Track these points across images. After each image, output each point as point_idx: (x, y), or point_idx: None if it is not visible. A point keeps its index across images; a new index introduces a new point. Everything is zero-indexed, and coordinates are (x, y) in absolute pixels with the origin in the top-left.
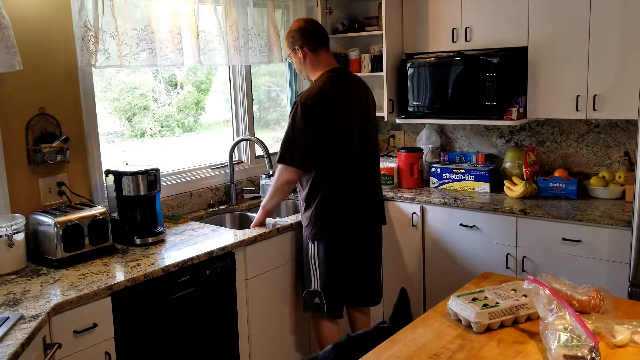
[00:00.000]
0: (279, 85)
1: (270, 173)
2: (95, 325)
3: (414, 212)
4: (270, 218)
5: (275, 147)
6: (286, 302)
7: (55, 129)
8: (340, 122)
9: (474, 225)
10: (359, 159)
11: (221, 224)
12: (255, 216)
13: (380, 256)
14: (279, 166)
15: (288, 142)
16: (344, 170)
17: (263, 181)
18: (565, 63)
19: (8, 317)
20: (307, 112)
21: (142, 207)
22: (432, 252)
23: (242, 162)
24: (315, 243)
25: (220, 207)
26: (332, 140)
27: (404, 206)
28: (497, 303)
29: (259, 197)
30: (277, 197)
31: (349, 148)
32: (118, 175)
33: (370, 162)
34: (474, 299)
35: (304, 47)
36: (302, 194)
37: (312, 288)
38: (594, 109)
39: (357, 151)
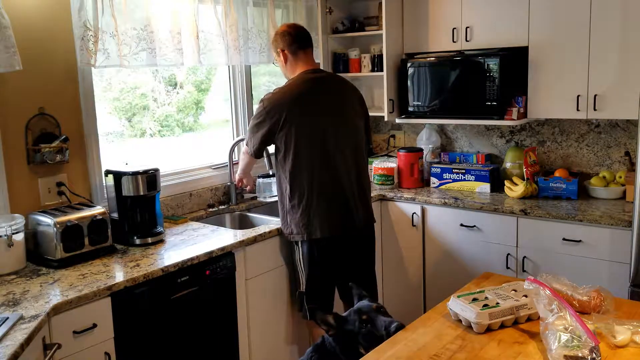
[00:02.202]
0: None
1: (271, 173)
2: (94, 325)
3: (414, 212)
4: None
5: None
6: (286, 302)
7: (55, 129)
8: (303, 122)
9: (474, 226)
10: (331, 159)
11: (221, 224)
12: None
13: (373, 258)
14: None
15: (248, 131)
16: (312, 169)
17: (261, 180)
18: (566, 63)
19: (7, 318)
20: (261, 111)
21: (142, 207)
22: (432, 253)
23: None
24: (297, 244)
25: (220, 207)
26: (294, 140)
27: (404, 206)
28: (497, 303)
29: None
30: (241, 163)
31: (315, 148)
32: (118, 175)
33: (346, 162)
34: (475, 299)
35: (284, 50)
36: (278, 194)
37: (300, 289)
38: (595, 109)
39: (327, 150)
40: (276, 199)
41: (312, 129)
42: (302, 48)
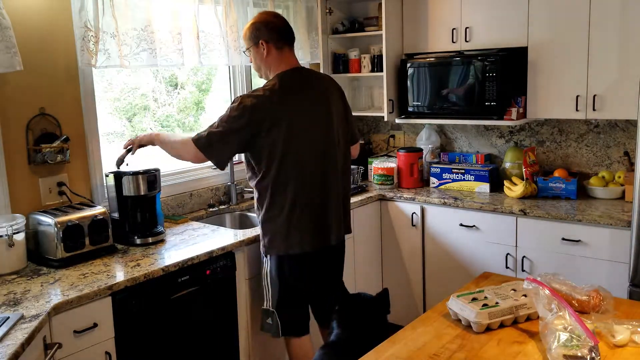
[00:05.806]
0: None
1: None
2: (95, 325)
3: (414, 212)
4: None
5: None
6: None
7: (56, 129)
8: (287, 127)
9: (474, 225)
10: (315, 164)
11: (221, 224)
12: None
13: (342, 269)
14: (191, 141)
15: (214, 130)
16: (293, 176)
17: None
18: (565, 63)
19: (8, 317)
20: (241, 111)
21: (142, 207)
22: (432, 252)
23: (242, 162)
24: (268, 257)
25: (220, 207)
26: (275, 145)
27: (403, 206)
28: (496, 303)
29: None
30: (171, 152)
31: (298, 153)
32: (118, 175)
33: (330, 168)
34: (474, 299)
35: (270, 43)
36: (255, 202)
37: (265, 307)
38: (594, 109)
39: (312, 156)
40: None
41: (295, 134)
42: (289, 43)
